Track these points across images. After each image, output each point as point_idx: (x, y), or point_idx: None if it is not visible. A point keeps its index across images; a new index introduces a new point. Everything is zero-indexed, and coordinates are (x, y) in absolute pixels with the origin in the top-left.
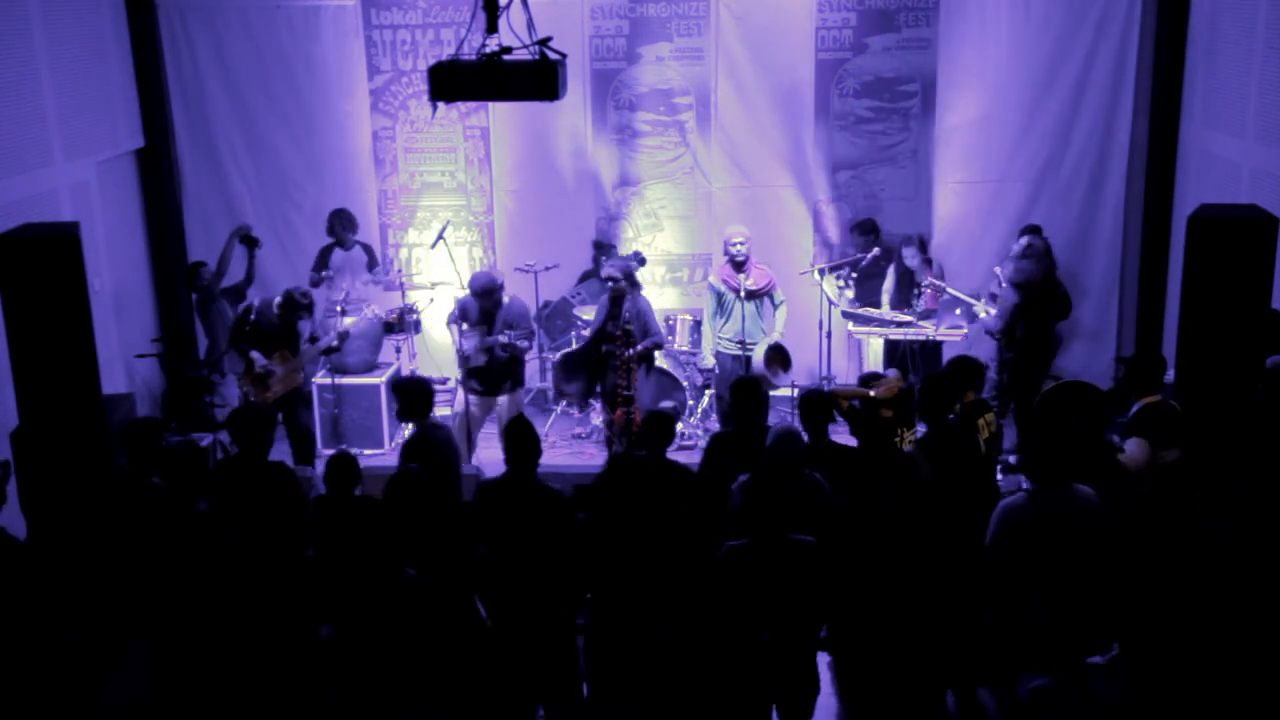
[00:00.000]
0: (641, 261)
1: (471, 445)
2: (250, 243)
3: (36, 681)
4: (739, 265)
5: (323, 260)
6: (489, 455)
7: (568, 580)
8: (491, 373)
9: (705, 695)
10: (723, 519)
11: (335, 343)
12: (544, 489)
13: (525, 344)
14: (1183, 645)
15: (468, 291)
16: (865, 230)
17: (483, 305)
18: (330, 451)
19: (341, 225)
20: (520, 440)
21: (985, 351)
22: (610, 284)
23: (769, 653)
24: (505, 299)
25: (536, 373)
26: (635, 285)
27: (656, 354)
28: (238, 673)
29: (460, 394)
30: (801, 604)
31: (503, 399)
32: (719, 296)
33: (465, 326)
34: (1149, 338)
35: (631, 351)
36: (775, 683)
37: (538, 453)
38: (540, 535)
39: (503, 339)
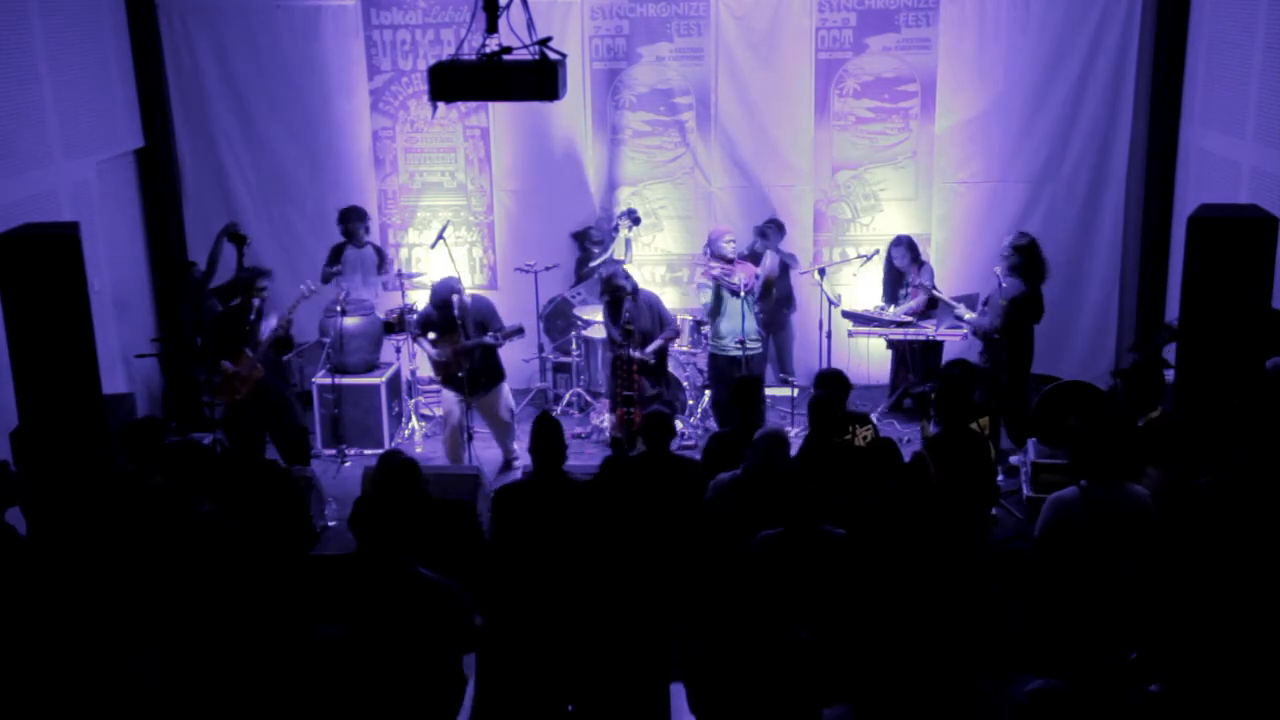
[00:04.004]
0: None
1: (470, 441)
2: (238, 240)
3: (44, 679)
4: (729, 261)
5: (335, 257)
6: (489, 455)
7: (590, 576)
8: (471, 374)
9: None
10: (694, 516)
11: (280, 332)
12: (573, 484)
13: (513, 340)
14: (1188, 647)
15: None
16: (763, 232)
17: (441, 314)
18: (330, 451)
19: (355, 219)
20: (545, 437)
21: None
22: (603, 289)
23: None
24: (466, 299)
25: (537, 373)
26: (631, 286)
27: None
28: (238, 673)
29: (448, 398)
30: (832, 596)
31: (483, 398)
32: (716, 290)
33: (432, 336)
34: (1147, 342)
35: (638, 353)
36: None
37: (563, 448)
38: (569, 532)
39: (489, 339)
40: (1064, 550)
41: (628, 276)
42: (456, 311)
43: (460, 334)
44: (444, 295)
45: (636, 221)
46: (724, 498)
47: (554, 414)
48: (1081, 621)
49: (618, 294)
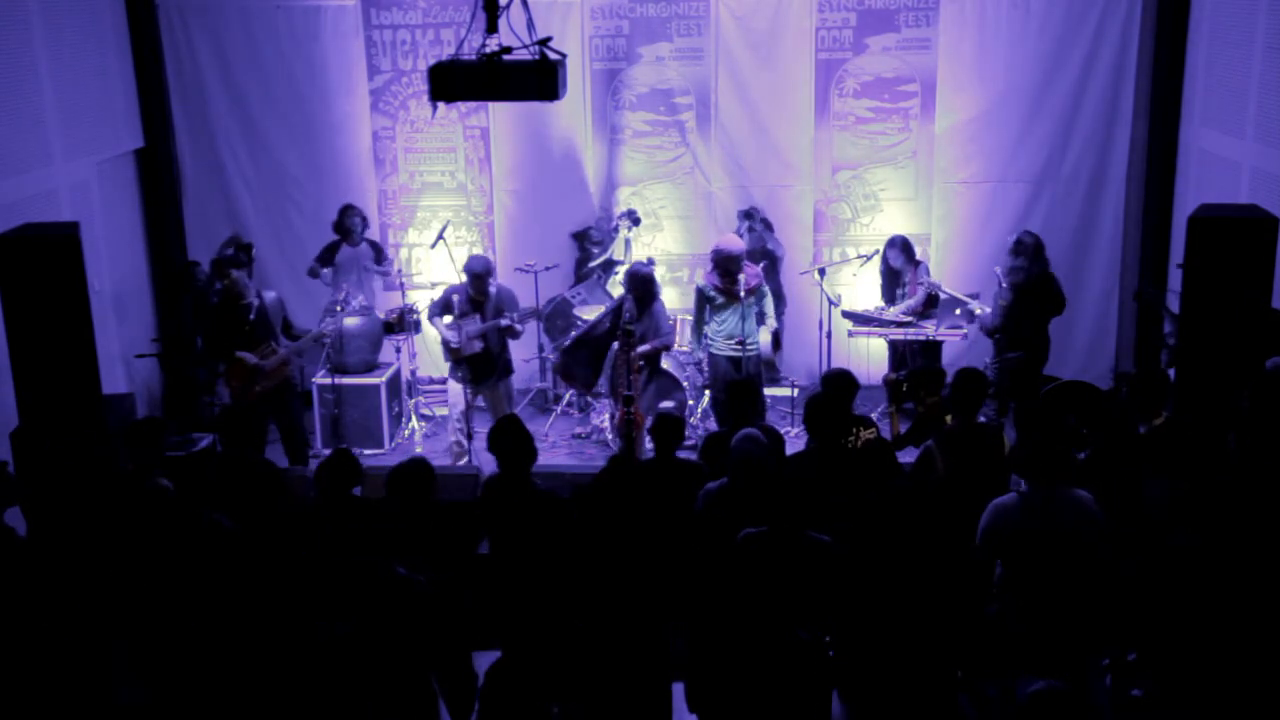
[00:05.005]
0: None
1: (470, 439)
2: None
3: (45, 681)
4: (729, 269)
5: (329, 256)
6: (489, 455)
7: (566, 580)
8: (483, 361)
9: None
10: (693, 521)
11: (325, 334)
12: (539, 493)
13: (528, 324)
14: (1189, 648)
15: (458, 281)
16: (748, 214)
17: (474, 292)
18: (330, 452)
19: (355, 219)
20: (511, 442)
21: (983, 352)
22: (631, 283)
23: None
24: (492, 289)
25: (537, 372)
26: (652, 293)
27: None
28: (238, 673)
29: (454, 390)
30: (813, 600)
31: (495, 384)
32: (707, 299)
33: (450, 319)
34: (1149, 345)
35: (635, 352)
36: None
37: (532, 454)
38: (538, 537)
39: (505, 322)
40: (1003, 555)
41: (651, 281)
42: (485, 295)
43: (478, 317)
44: (483, 269)
45: (636, 222)
46: (715, 505)
47: (557, 417)
48: (1039, 624)
49: (647, 288)
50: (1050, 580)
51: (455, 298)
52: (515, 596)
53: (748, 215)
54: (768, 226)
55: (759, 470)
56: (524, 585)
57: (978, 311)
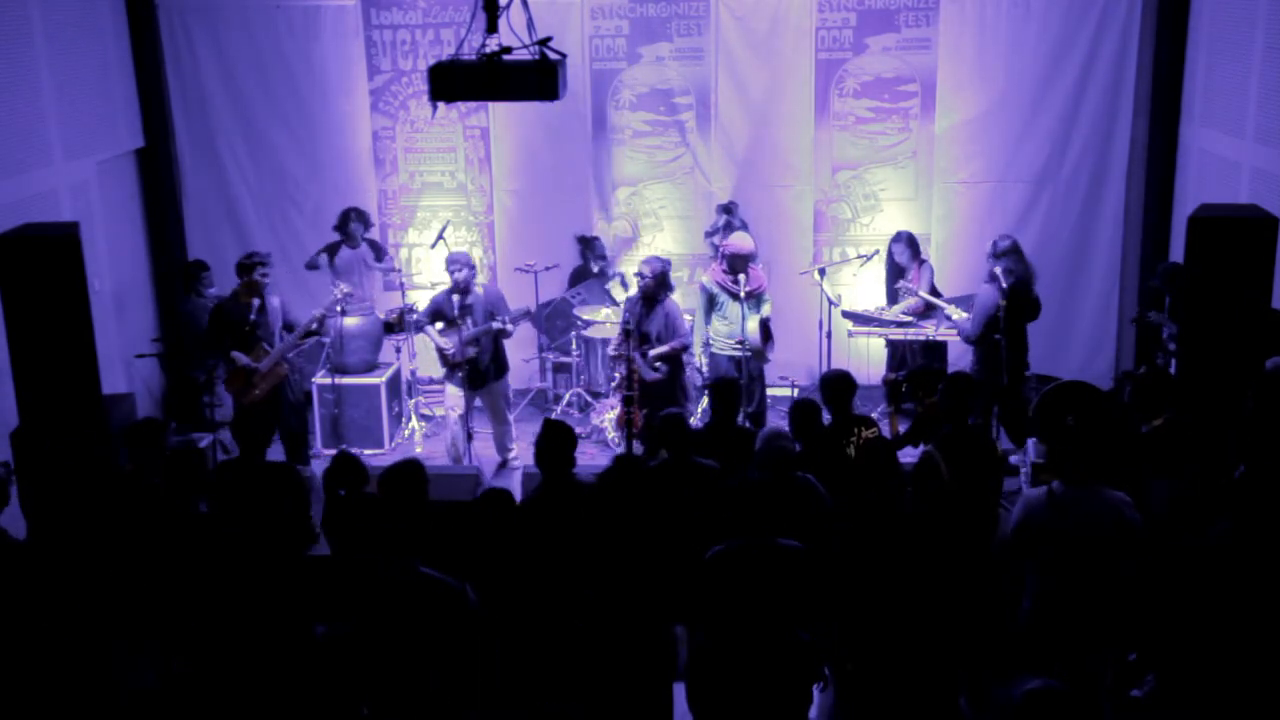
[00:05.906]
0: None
1: (470, 440)
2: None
3: (45, 682)
4: (736, 269)
5: (330, 255)
6: (488, 454)
7: (599, 577)
8: (478, 364)
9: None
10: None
11: (314, 326)
12: (583, 488)
13: (521, 323)
14: (1188, 649)
15: (442, 289)
16: (728, 208)
17: (457, 285)
18: (331, 452)
19: (357, 222)
20: (555, 443)
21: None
22: (639, 279)
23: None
24: (479, 289)
25: (536, 372)
26: (667, 288)
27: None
28: (239, 673)
29: (452, 394)
30: (788, 608)
31: (490, 388)
32: (711, 297)
33: (442, 325)
34: (1149, 345)
35: (652, 354)
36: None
37: (572, 457)
38: (581, 538)
39: (496, 325)
40: (1030, 549)
41: (656, 274)
42: (470, 299)
43: (470, 322)
44: (463, 257)
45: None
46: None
47: (557, 417)
48: (1058, 621)
49: (651, 291)
50: (1072, 579)
51: (445, 305)
52: (547, 596)
53: (727, 210)
54: (744, 226)
55: (788, 465)
56: (557, 585)
57: (955, 318)
